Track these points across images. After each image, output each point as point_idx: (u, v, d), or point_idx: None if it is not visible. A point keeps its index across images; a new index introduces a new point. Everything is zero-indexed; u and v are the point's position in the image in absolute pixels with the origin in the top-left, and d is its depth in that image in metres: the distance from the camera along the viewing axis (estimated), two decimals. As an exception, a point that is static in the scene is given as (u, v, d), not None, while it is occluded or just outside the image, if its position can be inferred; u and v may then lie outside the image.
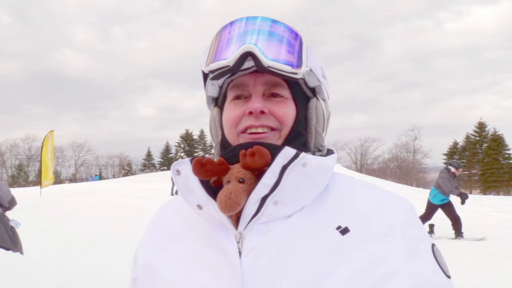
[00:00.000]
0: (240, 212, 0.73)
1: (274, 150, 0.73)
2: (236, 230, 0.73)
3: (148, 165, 67.91)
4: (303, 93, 0.87)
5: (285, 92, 0.83)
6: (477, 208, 15.05)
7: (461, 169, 9.40)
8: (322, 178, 0.77)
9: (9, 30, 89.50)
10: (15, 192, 5.36)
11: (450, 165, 9.44)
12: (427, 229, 9.29)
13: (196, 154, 64.66)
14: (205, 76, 0.89)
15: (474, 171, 55.28)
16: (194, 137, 68.55)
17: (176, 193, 13.68)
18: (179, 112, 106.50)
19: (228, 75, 0.84)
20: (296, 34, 0.83)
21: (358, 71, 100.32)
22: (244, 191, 0.72)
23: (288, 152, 0.72)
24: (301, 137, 0.84)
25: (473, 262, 6.08)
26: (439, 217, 9.36)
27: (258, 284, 0.67)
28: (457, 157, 57.12)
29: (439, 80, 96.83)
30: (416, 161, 60.53)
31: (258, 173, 0.75)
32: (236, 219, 0.74)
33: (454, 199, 9.19)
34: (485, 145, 54.11)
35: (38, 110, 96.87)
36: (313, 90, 0.89)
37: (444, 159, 58.59)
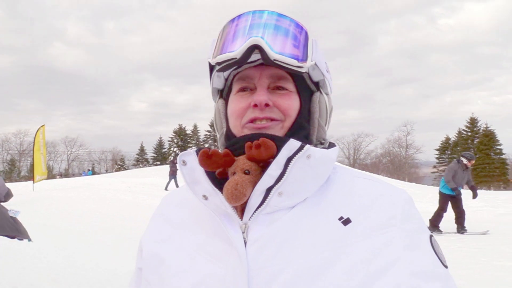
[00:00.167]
0: (245, 203, 0.74)
1: (279, 142, 0.75)
2: (241, 220, 0.74)
3: (141, 160, 67.72)
4: (307, 87, 0.89)
5: (290, 86, 0.85)
6: (468, 202, 15.18)
7: (473, 161, 9.19)
8: (324, 170, 0.79)
9: (0, 23, 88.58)
10: (8, 187, 5.33)
11: (463, 156, 9.19)
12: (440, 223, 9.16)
13: (189, 149, 64.56)
14: (211, 68, 0.90)
15: (466, 166, 55.69)
16: (188, 132, 68.43)
17: (166, 187, 13.52)
18: (172, 107, 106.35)
19: (234, 67, 0.85)
20: (302, 28, 0.84)
21: (351, 66, 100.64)
22: (249, 182, 0.73)
23: (293, 144, 0.73)
24: (303, 129, 0.85)
25: (464, 255, 6.16)
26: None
27: (263, 273, 0.68)
28: (449, 152, 57.62)
29: (432, 76, 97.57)
30: (409, 156, 60.96)
31: (263, 164, 0.76)
32: (241, 210, 0.75)
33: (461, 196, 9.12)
34: (477, 140, 54.64)
35: (30, 105, 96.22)
36: (316, 84, 0.90)
37: (436, 154, 59.16)
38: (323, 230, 0.72)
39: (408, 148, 60.96)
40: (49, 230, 7.44)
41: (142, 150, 68.81)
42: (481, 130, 54.94)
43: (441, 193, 9.26)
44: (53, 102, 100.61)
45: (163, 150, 68.14)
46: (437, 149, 59.66)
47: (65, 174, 58.06)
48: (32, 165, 18.85)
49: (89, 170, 55.00)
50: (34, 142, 17.49)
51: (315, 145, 0.87)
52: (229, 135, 0.88)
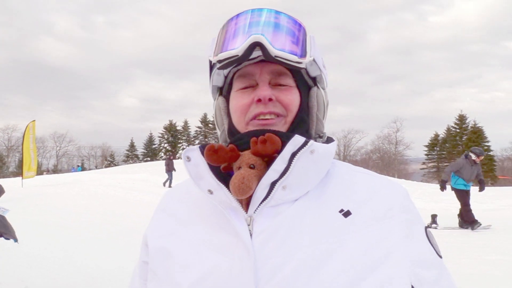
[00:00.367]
0: (249, 197, 0.76)
1: (284, 138, 0.77)
2: (246, 213, 0.77)
3: (131, 156, 67.35)
4: (305, 82, 0.91)
5: (290, 81, 0.87)
6: (456, 198, 15.41)
7: (482, 157, 9.09)
8: (325, 164, 0.82)
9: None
10: (-1, 183, 5.28)
11: (471, 151, 9.12)
12: (430, 219, 9.16)
13: (180, 145, 64.30)
14: (211, 66, 0.92)
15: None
16: (178, 128, 68.15)
17: (169, 185, 13.43)
18: (163, 103, 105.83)
19: (234, 65, 0.87)
20: (300, 25, 0.87)
21: (342, 63, 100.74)
22: (255, 176, 0.75)
23: (298, 140, 0.76)
24: (304, 123, 0.88)
25: (454, 250, 6.26)
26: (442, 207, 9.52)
27: (269, 263, 0.71)
28: (437, 149, 58.20)
29: (421, 73, 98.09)
30: (398, 152, 61.36)
31: (267, 159, 0.78)
32: (245, 203, 0.78)
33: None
34: (465, 137, 55.18)
35: (18, 100, 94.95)
36: (314, 79, 0.93)
37: (425, 151, 59.68)
38: (325, 222, 0.75)
39: (397, 144, 61.40)
40: (39, 226, 7.40)
41: (132, 146, 68.43)
42: (469, 127, 55.52)
43: (456, 190, 9.11)
44: (42, 97, 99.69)
45: (154, 146, 67.81)
46: (426, 146, 60.20)
47: (54, 170, 57.54)
48: (21, 161, 18.64)
49: (78, 166, 54.55)
50: (23, 138, 17.30)
51: (315, 139, 0.90)
52: (232, 131, 0.90)
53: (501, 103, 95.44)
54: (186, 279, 0.75)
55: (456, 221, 9.23)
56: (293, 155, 0.76)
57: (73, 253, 5.56)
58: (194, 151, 0.81)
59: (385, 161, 61.27)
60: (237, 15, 0.87)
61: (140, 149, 68.32)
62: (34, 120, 17.94)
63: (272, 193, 0.76)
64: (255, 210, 0.76)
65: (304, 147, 0.76)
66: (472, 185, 9.29)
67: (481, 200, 14.32)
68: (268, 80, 0.86)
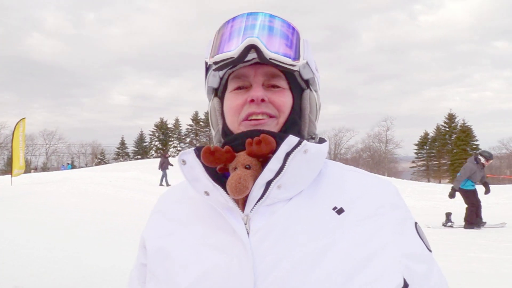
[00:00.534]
0: (245, 196, 0.78)
1: (278, 138, 0.80)
2: (243, 212, 0.79)
3: (121, 154, 66.89)
4: (298, 84, 0.94)
5: (283, 83, 0.90)
6: (445, 197, 15.53)
7: (491, 160, 9.04)
8: (318, 163, 0.85)
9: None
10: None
11: (481, 155, 9.05)
12: (445, 218, 9.05)
13: (171, 143, 63.99)
14: (207, 68, 0.94)
15: (444, 161, 56.85)
16: (169, 126, 67.80)
17: (166, 184, 13.32)
18: (154, 100, 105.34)
19: (230, 66, 0.89)
20: (294, 29, 0.89)
21: (333, 61, 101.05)
22: (251, 176, 0.78)
23: (292, 140, 0.78)
24: (296, 125, 0.90)
25: (441, 248, 6.35)
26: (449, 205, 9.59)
27: (266, 260, 0.73)
28: (427, 147, 58.65)
29: (412, 72, 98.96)
30: (388, 151, 61.76)
31: (262, 159, 0.81)
32: (241, 203, 0.80)
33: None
34: (454, 136, 55.69)
35: (6, 97, 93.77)
36: (306, 82, 0.96)
37: (415, 149, 60.12)
38: (319, 219, 0.78)
39: (387, 143, 61.81)
40: (29, 225, 7.34)
41: (122, 143, 67.98)
42: (458, 126, 56.06)
43: (465, 191, 8.99)
44: (30, 94, 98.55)
45: (144, 144, 67.42)
46: (416, 144, 60.65)
47: (43, 168, 56.95)
48: (9, 159, 18.42)
49: (68, 164, 54.05)
50: (13, 136, 17.10)
51: (307, 140, 0.92)
52: (226, 131, 0.93)
53: (490, 102, 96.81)
54: (185, 279, 0.77)
55: (437, 219, 9.30)
56: (287, 155, 0.78)
57: (64, 252, 5.54)
58: (189, 154, 0.83)
59: (375, 160, 61.61)
60: (233, 18, 0.89)
61: (130, 147, 67.99)
62: (24, 118, 17.75)
63: (267, 192, 0.78)
64: (252, 209, 0.78)
65: (298, 147, 0.78)
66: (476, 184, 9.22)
67: (469, 199, 14.49)
68: (261, 81, 0.88)
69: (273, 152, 0.78)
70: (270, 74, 0.88)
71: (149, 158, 55.63)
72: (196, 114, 67.55)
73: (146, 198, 13.22)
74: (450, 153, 55.04)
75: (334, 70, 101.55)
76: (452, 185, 8.99)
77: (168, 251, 0.83)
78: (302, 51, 0.88)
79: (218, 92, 0.98)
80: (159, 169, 19.01)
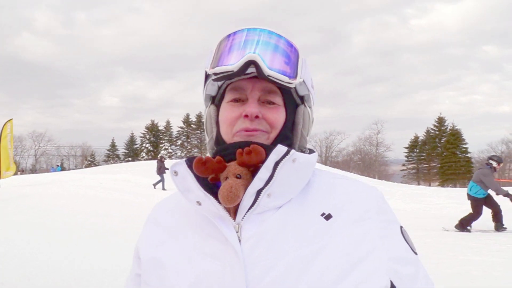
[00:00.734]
0: (237, 205, 0.80)
1: (267, 149, 0.82)
2: (234, 221, 0.81)
3: (112, 156, 66.52)
4: (293, 100, 0.97)
5: (278, 99, 0.93)
6: (435, 199, 15.72)
7: (501, 164, 8.89)
8: (307, 172, 0.88)
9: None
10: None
11: (491, 159, 8.91)
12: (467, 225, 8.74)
13: (162, 145, 63.74)
14: (206, 76, 0.96)
15: (434, 164, 57.39)
16: (160, 128, 67.60)
17: (163, 187, 13.19)
18: (145, 102, 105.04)
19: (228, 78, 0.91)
20: (294, 48, 0.92)
21: (325, 64, 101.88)
22: (242, 185, 0.80)
23: (280, 149, 0.81)
24: (287, 139, 0.94)
25: (434, 250, 6.38)
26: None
27: (258, 267, 0.75)
28: (417, 150, 59.15)
29: (403, 75, 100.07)
30: (379, 154, 62.29)
31: (252, 169, 0.83)
32: (233, 212, 0.82)
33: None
34: (444, 139, 56.27)
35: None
36: (301, 98, 0.99)
37: (405, 152, 60.62)
38: (308, 226, 0.80)
39: (378, 146, 62.33)
40: (19, 227, 7.25)
41: (113, 145, 67.67)
42: (448, 129, 56.68)
43: (475, 199, 8.82)
44: (20, 95, 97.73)
45: (135, 146, 67.18)
46: (406, 147, 61.22)
47: (32, 170, 56.40)
48: (-2, 161, 18.19)
49: (58, 166, 53.62)
50: (1, 136, 16.90)
51: None
52: (219, 139, 0.95)
53: (479, 106, 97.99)
54: (178, 286, 0.79)
55: (427, 221, 9.35)
56: (277, 164, 0.80)
57: (55, 254, 5.48)
58: (180, 165, 0.85)
59: (366, 163, 62.05)
60: (234, 33, 0.92)
61: (121, 149, 67.73)
62: (11, 119, 17.55)
63: (258, 200, 0.80)
64: (243, 218, 0.80)
65: (287, 156, 0.81)
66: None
67: (459, 201, 14.63)
68: (258, 96, 0.91)
69: (263, 162, 0.80)
70: (267, 90, 0.91)
71: (139, 160, 55.35)
72: (188, 116, 67.49)
73: (137, 200, 13.15)
74: (440, 156, 55.59)
75: (326, 73, 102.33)
76: (504, 197, 8.60)
77: (161, 260, 0.85)
78: (299, 69, 0.90)
79: (216, 100, 1.01)
80: (157, 174, 18.81)
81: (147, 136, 66.47)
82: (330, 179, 0.93)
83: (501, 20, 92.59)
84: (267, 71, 0.84)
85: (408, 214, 9.59)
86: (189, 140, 66.29)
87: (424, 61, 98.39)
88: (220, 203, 0.79)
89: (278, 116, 0.91)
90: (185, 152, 63.79)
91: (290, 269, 0.74)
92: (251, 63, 0.84)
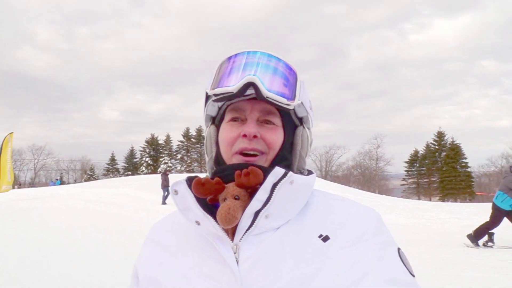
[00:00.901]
0: (235, 226, 0.81)
1: (265, 171, 0.83)
2: (232, 242, 0.81)
3: (111, 170, 66.37)
4: (292, 121, 0.99)
5: (277, 120, 0.94)
6: (436, 214, 15.63)
7: None
8: (305, 194, 0.89)
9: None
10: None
11: None
12: (487, 237, 8.44)
13: (161, 159, 63.67)
14: (207, 97, 0.98)
15: (434, 179, 57.25)
16: (160, 142, 67.60)
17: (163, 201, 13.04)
18: (145, 116, 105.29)
19: (228, 99, 0.94)
20: (292, 70, 0.95)
21: (324, 79, 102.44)
22: (240, 206, 0.81)
23: (278, 171, 0.82)
24: (285, 160, 0.95)
25: (435, 267, 6.33)
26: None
27: None
28: (417, 165, 59.06)
29: (401, 90, 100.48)
30: (379, 168, 62.24)
31: (250, 190, 0.84)
32: (231, 233, 0.82)
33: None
34: (444, 153, 56.23)
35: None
36: (300, 119, 1.01)
37: (405, 167, 60.50)
38: (306, 247, 0.81)
39: (378, 160, 62.32)
40: (17, 242, 7.21)
41: (112, 159, 67.61)
42: (447, 144, 56.70)
43: (498, 208, 8.43)
44: (20, 108, 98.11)
45: (135, 160, 67.08)
46: (406, 162, 61.17)
47: (31, 184, 56.23)
48: (-3, 174, 18.13)
49: (57, 179, 53.48)
50: (1, 150, 16.89)
51: (296, 174, 0.95)
52: (219, 159, 0.96)
53: (478, 120, 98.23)
54: None
55: (428, 237, 9.27)
56: (274, 186, 0.81)
57: (53, 269, 5.43)
58: (181, 185, 0.86)
59: (366, 177, 61.94)
60: (235, 55, 0.95)
61: (121, 163, 67.62)
62: (12, 132, 17.58)
63: (256, 222, 0.81)
64: (241, 239, 0.81)
65: (284, 178, 0.82)
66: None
67: (460, 216, 14.57)
68: (256, 117, 0.93)
69: (261, 183, 0.82)
70: (266, 110, 0.93)
71: (139, 174, 55.24)
72: (188, 130, 67.61)
73: (137, 215, 13.09)
74: (440, 171, 55.49)
75: (325, 87, 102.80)
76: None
77: (159, 280, 0.86)
78: (298, 91, 0.92)
79: (216, 121, 1.02)
80: (161, 188, 18.44)
81: (147, 150, 66.47)
82: (328, 200, 0.94)
83: (498, 35, 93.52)
84: (265, 92, 0.86)
85: (409, 229, 9.52)
86: (189, 154, 66.28)
87: (422, 75, 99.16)
88: (218, 223, 0.80)
89: (276, 136, 0.93)
90: (185, 166, 63.70)
91: None
92: (250, 84, 0.86)
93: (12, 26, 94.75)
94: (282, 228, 0.83)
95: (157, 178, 18.98)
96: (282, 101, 0.88)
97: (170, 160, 64.53)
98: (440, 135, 58.02)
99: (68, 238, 8.00)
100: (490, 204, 8.65)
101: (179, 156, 66.09)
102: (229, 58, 0.95)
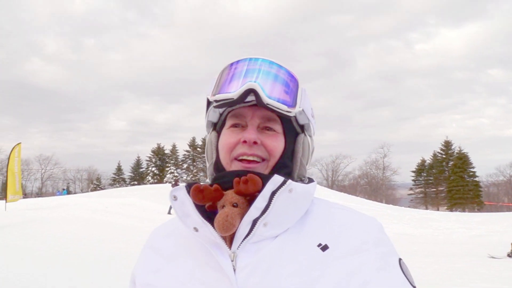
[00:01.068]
0: (233, 233, 0.80)
1: (264, 179, 0.82)
2: (230, 249, 0.80)
3: (118, 180, 66.56)
4: (293, 129, 0.98)
5: (278, 127, 0.94)
6: (444, 224, 15.50)
7: None
8: (304, 203, 0.88)
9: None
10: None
11: None
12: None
13: (167, 169, 63.82)
14: (208, 103, 0.98)
15: (441, 188, 56.79)
16: (166, 152, 67.79)
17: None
18: (151, 126, 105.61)
19: (229, 105, 0.93)
20: (293, 77, 0.94)
21: (330, 88, 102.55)
22: (238, 214, 0.80)
23: (277, 179, 0.81)
24: (286, 168, 0.94)
25: (442, 277, 6.26)
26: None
27: None
28: (424, 174, 58.67)
29: (408, 99, 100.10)
30: (386, 178, 61.88)
31: (249, 198, 0.83)
32: (229, 240, 0.81)
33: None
34: (451, 163, 55.83)
35: (4, 121, 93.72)
36: (302, 127, 1.00)
37: (413, 176, 60.13)
38: (304, 256, 0.80)
39: (385, 170, 62.01)
40: (24, 252, 7.22)
41: (119, 169, 67.79)
42: (455, 153, 56.32)
43: None
44: (28, 119, 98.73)
45: (141, 170, 67.23)
46: (413, 171, 60.79)
47: (38, 194, 56.53)
48: (4, 184, 18.27)
49: (63, 189, 53.69)
50: (9, 160, 17.04)
51: (296, 181, 0.94)
52: (219, 166, 0.95)
53: (486, 129, 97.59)
54: None
55: (436, 247, 9.18)
56: (273, 193, 0.80)
57: (59, 280, 5.43)
58: (180, 190, 0.85)
59: (373, 187, 61.61)
60: (237, 62, 0.94)
61: (127, 173, 67.76)
62: (20, 143, 17.74)
63: (254, 230, 0.80)
64: (238, 246, 0.80)
65: (283, 186, 0.81)
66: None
67: (468, 226, 14.43)
68: (257, 123, 0.92)
69: (260, 191, 0.81)
70: (267, 117, 0.93)
71: (145, 184, 55.33)
72: (194, 139, 67.74)
73: (143, 225, 13.09)
74: (448, 180, 55.06)
75: (332, 97, 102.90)
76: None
77: (156, 287, 0.86)
78: (299, 99, 0.92)
79: (217, 127, 1.02)
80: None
81: (153, 160, 66.61)
82: (328, 208, 0.92)
83: (505, 44, 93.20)
84: (266, 99, 0.86)
85: (416, 239, 9.42)
86: (195, 163, 66.34)
87: (429, 85, 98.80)
88: (217, 230, 0.79)
89: (276, 143, 0.92)
90: (191, 175, 63.75)
91: None
92: (251, 91, 0.86)
93: (21, 38, 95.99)
94: (281, 236, 0.83)
95: (163, 188, 19.07)
96: (283, 108, 0.88)
97: (176, 169, 64.60)
98: (447, 144, 57.69)
99: (73, 249, 8.01)
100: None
101: (185, 165, 66.16)
102: (231, 64, 0.95)
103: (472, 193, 52.26)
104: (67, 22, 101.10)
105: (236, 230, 0.80)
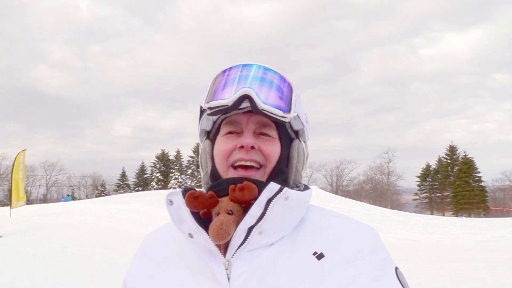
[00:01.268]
0: (228, 241, 0.79)
1: (260, 186, 0.81)
2: (224, 257, 0.80)
3: (122, 186, 66.64)
4: (287, 134, 0.98)
5: (273, 133, 0.94)
6: (449, 229, 15.38)
7: None
8: (300, 210, 0.87)
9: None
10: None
11: None
12: None
13: (172, 175, 63.89)
14: (201, 111, 0.98)
15: (447, 193, 56.42)
16: (170, 158, 67.86)
17: None
18: (156, 132, 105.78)
19: (223, 112, 0.93)
20: (288, 83, 0.94)
21: (335, 93, 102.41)
22: (233, 222, 0.79)
23: (273, 187, 0.80)
24: (282, 174, 0.94)
25: (447, 283, 6.20)
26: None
27: None
28: (429, 179, 58.34)
29: (413, 104, 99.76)
30: (390, 183, 61.56)
31: (244, 205, 0.82)
32: (224, 247, 0.81)
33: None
34: (457, 168, 55.48)
35: (10, 128, 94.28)
36: (296, 132, 1.00)
37: (418, 181, 59.79)
38: (299, 265, 0.79)
39: (390, 175, 61.71)
40: (29, 259, 7.24)
41: (123, 175, 67.85)
42: (460, 158, 55.97)
43: None
44: (34, 125, 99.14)
45: (145, 176, 67.30)
46: (418, 176, 60.41)
47: (43, 200, 56.70)
48: (9, 190, 18.36)
49: (68, 195, 53.83)
50: (13, 167, 17.11)
51: (292, 188, 0.94)
52: (214, 174, 0.95)
53: (491, 134, 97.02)
54: None
55: (441, 253, 9.11)
56: (269, 201, 0.80)
57: (60, 285, 5.43)
58: (176, 195, 0.84)
59: (378, 192, 61.29)
60: (230, 68, 0.94)
61: (131, 179, 67.81)
62: (24, 150, 17.82)
63: (249, 238, 0.79)
64: (233, 255, 0.79)
65: (279, 194, 0.80)
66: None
67: (474, 232, 14.31)
68: (253, 129, 0.92)
69: (256, 198, 0.80)
70: (262, 123, 0.92)
71: (149, 190, 55.37)
72: (198, 146, 67.54)
73: (147, 231, 13.00)
74: (453, 185, 54.68)
75: (337, 102, 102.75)
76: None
77: None
78: (293, 104, 0.92)
79: (210, 135, 1.01)
80: None
81: (158, 166, 66.62)
82: (324, 216, 0.92)
83: (510, 49, 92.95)
84: (261, 105, 0.85)
85: (421, 245, 9.36)
86: (199, 169, 66.13)
87: (434, 90, 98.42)
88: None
89: (273, 148, 0.92)
90: (195, 181, 63.73)
91: None
92: (245, 97, 0.86)
93: (27, 45, 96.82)
94: (276, 244, 0.82)
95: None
96: (278, 113, 0.88)
97: (180, 175, 64.64)
98: (452, 149, 57.34)
99: (77, 255, 8.01)
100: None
101: (189, 171, 66.16)
102: (224, 71, 0.94)
103: (478, 198, 51.84)
104: (73, 29, 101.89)
105: (231, 238, 0.79)
